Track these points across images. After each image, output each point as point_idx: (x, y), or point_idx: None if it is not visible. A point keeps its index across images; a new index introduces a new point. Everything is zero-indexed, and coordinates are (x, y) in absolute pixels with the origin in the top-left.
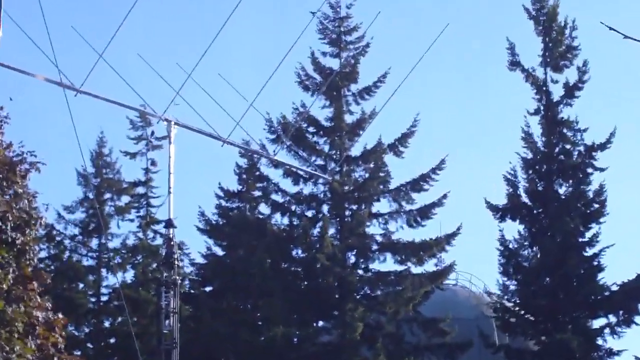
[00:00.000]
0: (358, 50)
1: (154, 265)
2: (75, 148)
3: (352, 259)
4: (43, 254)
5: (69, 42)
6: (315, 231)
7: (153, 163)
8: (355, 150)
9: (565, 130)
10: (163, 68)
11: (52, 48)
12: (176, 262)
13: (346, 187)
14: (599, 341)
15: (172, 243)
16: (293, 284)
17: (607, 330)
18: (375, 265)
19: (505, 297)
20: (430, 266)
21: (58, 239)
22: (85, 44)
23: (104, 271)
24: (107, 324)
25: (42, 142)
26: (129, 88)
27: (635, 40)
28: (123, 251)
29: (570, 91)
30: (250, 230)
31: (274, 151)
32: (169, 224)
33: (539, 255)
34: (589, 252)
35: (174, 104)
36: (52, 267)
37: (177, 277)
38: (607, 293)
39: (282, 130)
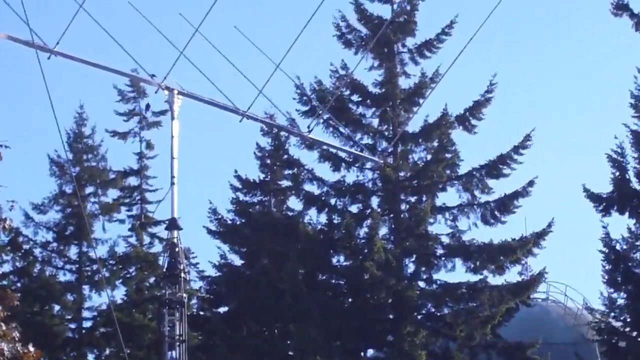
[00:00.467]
0: None
1: (152, 280)
2: (48, 127)
3: (411, 268)
4: (7, 268)
5: None
6: (362, 231)
7: (149, 146)
8: (414, 125)
9: None
10: (162, 22)
11: (21, 1)
12: (182, 275)
13: (402, 173)
14: None
15: (176, 250)
16: (333, 302)
17: None
18: (442, 276)
19: (612, 314)
20: (513, 275)
21: (26, 247)
22: None
23: (86, 288)
24: (91, 357)
25: (5, 121)
26: (118, 47)
27: None
28: (111, 262)
29: None
30: (277, 231)
31: (308, 127)
32: (172, 225)
33: None
34: None
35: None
36: (20, 285)
37: (184, 295)
38: None
39: (317, 99)
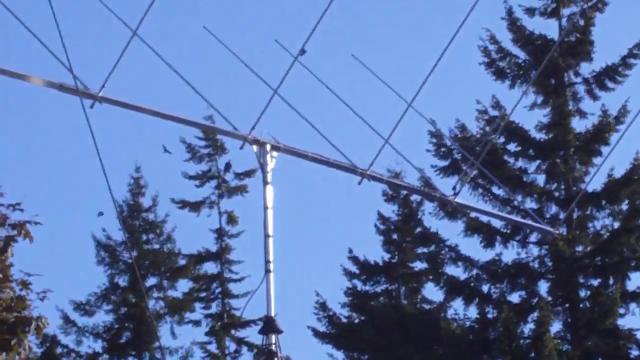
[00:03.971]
0: (591, 2)
1: None
2: (94, 198)
3: None
4: None
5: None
6: (527, 329)
7: (231, 220)
8: (595, 182)
9: None
10: (246, 52)
11: (62, 43)
12: None
13: (580, 248)
14: None
15: None
16: None
17: None
18: None
19: None
20: None
21: None
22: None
23: None
24: None
25: (38, 191)
26: (183, 84)
27: None
28: None
29: None
30: (410, 332)
31: (453, 189)
32: (268, 326)
33: None
34: None
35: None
36: None
37: None
38: None
39: (461, 149)
